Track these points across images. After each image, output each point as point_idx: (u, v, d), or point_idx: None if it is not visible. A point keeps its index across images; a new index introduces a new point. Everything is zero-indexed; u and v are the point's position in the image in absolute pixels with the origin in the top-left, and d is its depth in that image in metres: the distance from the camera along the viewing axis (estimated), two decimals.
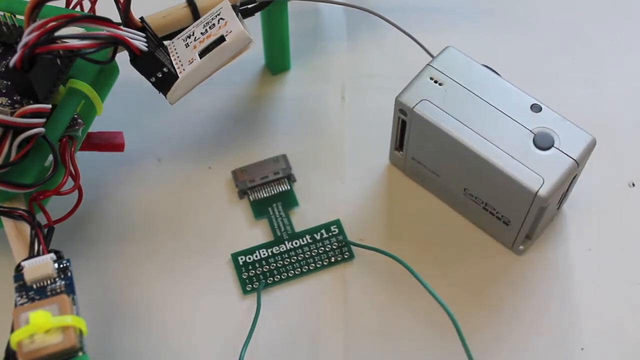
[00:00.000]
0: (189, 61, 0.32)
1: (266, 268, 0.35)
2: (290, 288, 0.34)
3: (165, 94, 0.32)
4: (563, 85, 0.41)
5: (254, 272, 0.35)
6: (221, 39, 0.31)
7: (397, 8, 0.43)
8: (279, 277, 0.35)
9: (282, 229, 0.36)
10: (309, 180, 0.38)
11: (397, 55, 0.42)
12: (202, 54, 0.31)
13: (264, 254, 0.35)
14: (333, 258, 0.35)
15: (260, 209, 0.36)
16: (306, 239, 0.36)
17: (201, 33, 0.32)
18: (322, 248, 0.35)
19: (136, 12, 0.32)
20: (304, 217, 0.36)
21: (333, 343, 0.33)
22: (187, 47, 0.32)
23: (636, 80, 0.41)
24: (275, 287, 0.34)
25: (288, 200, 0.37)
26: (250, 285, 0.34)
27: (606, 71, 0.41)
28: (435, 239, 0.36)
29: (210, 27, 0.32)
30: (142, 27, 0.32)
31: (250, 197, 0.37)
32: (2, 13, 0.33)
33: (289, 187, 0.37)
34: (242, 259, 0.35)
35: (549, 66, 0.41)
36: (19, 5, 0.33)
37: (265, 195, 0.37)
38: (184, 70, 0.32)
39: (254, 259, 0.35)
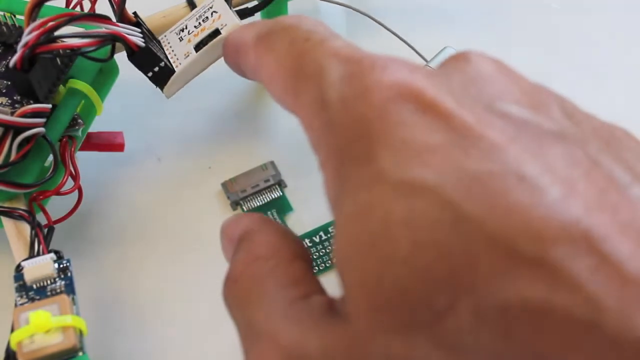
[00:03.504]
0: (185, 55, 0.32)
1: None
2: None
3: (161, 88, 0.32)
4: (562, 85, 0.40)
5: None
6: (216, 32, 0.31)
7: (396, 8, 0.43)
8: None
9: None
10: (304, 183, 0.37)
11: (397, 55, 0.42)
12: (197, 47, 0.32)
13: None
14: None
15: None
16: (306, 243, 0.35)
17: (194, 26, 0.32)
18: (323, 250, 0.35)
19: (137, 12, 0.33)
20: (301, 221, 0.36)
21: None
22: (181, 40, 0.32)
23: (636, 79, 0.41)
24: None
25: (282, 206, 0.37)
26: None
27: (606, 70, 0.41)
28: None
29: (203, 20, 0.32)
30: (137, 22, 0.32)
31: (244, 207, 0.36)
32: (2, 13, 0.33)
33: (281, 193, 0.37)
34: None
35: (547, 66, 0.41)
36: (19, 5, 0.33)
37: (258, 204, 0.37)
38: (180, 64, 0.32)
39: None
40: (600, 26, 0.43)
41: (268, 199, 0.37)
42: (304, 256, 0.20)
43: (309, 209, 0.37)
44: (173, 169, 0.38)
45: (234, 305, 0.19)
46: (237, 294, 0.19)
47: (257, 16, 0.37)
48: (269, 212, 0.36)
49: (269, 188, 0.37)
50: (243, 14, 0.35)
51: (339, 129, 0.17)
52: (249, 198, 0.37)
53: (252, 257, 0.19)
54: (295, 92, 0.19)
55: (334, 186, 0.17)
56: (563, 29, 0.43)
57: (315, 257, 0.35)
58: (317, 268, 0.35)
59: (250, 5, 0.36)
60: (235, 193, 0.37)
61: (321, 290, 0.19)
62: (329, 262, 0.35)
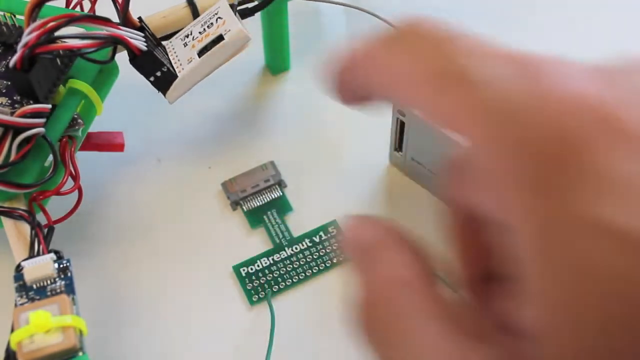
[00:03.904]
0: (188, 60, 0.32)
1: (270, 277, 0.34)
2: (297, 293, 0.34)
3: (164, 93, 0.32)
4: None
5: (257, 282, 0.34)
6: (220, 38, 0.32)
7: (396, 8, 0.43)
8: (284, 284, 0.34)
9: (281, 236, 0.35)
10: (304, 183, 0.37)
11: None
12: (200, 53, 0.32)
13: (266, 263, 0.35)
14: (335, 259, 0.35)
15: (255, 218, 0.36)
16: (306, 243, 0.35)
17: (199, 32, 0.32)
18: (323, 250, 0.35)
19: (136, 12, 0.33)
20: (301, 222, 0.36)
21: (346, 341, 0.33)
22: (185, 46, 0.32)
23: None
24: (282, 294, 0.34)
25: (282, 206, 0.37)
26: (257, 296, 0.34)
27: None
28: (436, 239, 0.36)
29: (208, 27, 0.32)
30: (141, 26, 0.32)
31: (244, 207, 0.36)
32: (2, 13, 0.33)
33: (281, 193, 0.37)
34: (244, 270, 0.34)
35: None
36: (19, 5, 0.33)
37: (258, 204, 0.37)
38: (182, 69, 0.32)
39: (256, 269, 0.34)
40: (601, 26, 0.43)
41: (268, 199, 0.37)
42: (435, 275, 0.17)
43: (309, 209, 0.37)
44: (173, 169, 0.38)
45: (371, 338, 0.17)
46: (375, 325, 0.17)
47: (257, 16, 0.37)
48: (269, 212, 0.36)
49: (269, 188, 0.37)
50: (243, 14, 0.35)
51: (516, 148, 0.15)
52: (249, 198, 0.37)
53: (387, 278, 0.17)
54: (442, 96, 0.17)
55: (529, 223, 0.14)
56: (563, 29, 0.43)
57: (315, 257, 0.35)
58: (317, 268, 0.35)
59: (250, 5, 0.35)
60: (235, 193, 0.36)
61: (486, 326, 0.16)
62: (329, 262, 0.35)
